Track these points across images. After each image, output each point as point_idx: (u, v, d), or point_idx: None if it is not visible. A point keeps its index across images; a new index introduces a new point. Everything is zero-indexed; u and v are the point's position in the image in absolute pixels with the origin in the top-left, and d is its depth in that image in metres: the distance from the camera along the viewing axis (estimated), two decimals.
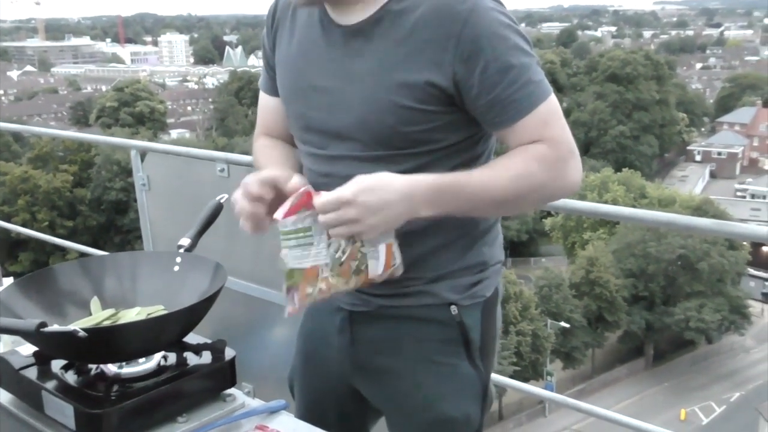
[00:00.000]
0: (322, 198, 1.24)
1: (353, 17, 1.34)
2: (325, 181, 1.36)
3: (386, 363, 1.47)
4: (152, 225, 3.29)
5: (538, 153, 1.29)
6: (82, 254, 3.63)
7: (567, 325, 26.70)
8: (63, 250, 29.27)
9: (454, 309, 1.42)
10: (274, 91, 1.55)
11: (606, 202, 33.16)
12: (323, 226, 1.26)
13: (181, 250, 1.51)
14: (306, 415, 1.60)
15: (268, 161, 1.53)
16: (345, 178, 1.27)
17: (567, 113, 52.66)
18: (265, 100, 1.61)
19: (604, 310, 28.12)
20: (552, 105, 1.31)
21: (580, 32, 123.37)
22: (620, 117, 50.88)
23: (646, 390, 28.85)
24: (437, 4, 1.28)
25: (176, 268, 1.50)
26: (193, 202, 3.23)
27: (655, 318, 29.05)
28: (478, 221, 1.43)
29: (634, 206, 33.21)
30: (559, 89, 53.97)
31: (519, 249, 40.03)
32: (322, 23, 1.38)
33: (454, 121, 1.33)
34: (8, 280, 1.45)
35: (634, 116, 51.09)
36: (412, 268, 1.38)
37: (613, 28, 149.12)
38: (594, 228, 33.39)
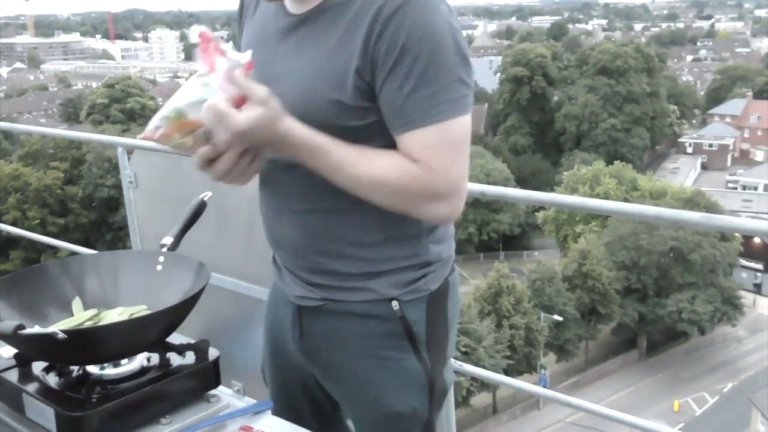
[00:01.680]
0: (228, 120, 1.18)
1: (303, 6, 1.34)
2: (270, 167, 1.38)
3: (333, 358, 1.48)
4: (140, 222, 3.27)
5: (406, 170, 1.26)
6: (73, 252, 3.61)
7: (560, 318, 26.78)
8: (54, 248, 29.14)
9: (395, 304, 1.41)
10: None
11: (598, 195, 33.26)
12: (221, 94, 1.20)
13: (164, 249, 1.50)
14: (278, 402, 1.61)
15: None
16: (287, 168, 1.34)
17: (558, 107, 52.97)
18: None
19: (596, 302, 28.22)
20: (452, 131, 1.26)
21: (570, 26, 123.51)
22: (611, 110, 50.98)
23: (639, 382, 29.00)
24: None
25: (159, 267, 1.48)
26: (181, 199, 3.19)
27: (648, 310, 29.18)
28: (420, 219, 1.39)
29: (626, 199, 33.40)
30: (550, 83, 54.06)
31: (511, 242, 40.12)
32: (277, 12, 1.40)
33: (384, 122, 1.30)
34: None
35: (626, 109, 51.20)
36: (350, 264, 1.40)
37: (604, 21, 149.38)
38: (586, 221, 33.48)
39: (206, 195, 1.64)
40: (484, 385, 23.10)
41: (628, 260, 29.43)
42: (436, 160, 1.26)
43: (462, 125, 1.27)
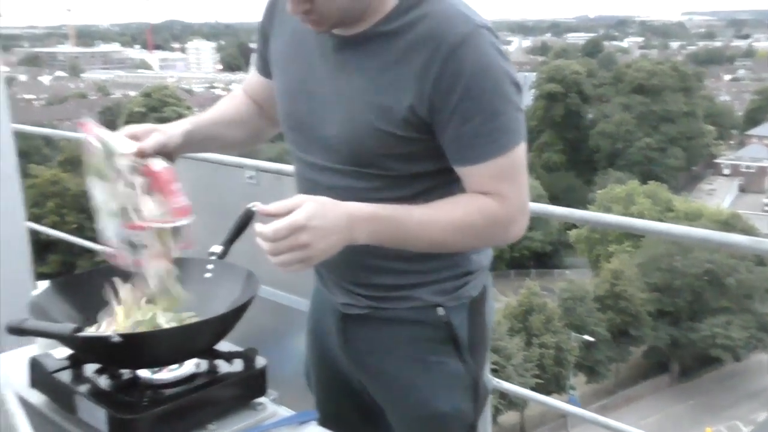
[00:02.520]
0: (274, 225, 1.19)
1: (350, 29, 1.34)
2: (311, 187, 1.42)
3: (379, 363, 1.52)
4: None
5: (484, 207, 1.32)
6: None
7: (591, 339, 26.42)
8: (91, 253, 29.57)
9: (441, 310, 1.46)
10: (265, 72, 1.60)
11: (632, 215, 32.89)
12: (270, 254, 1.21)
13: (213, 257, 1.52)
14: (324, 408, 1.64)
15: (209, 110, 1.66)
16: (328, 189, 1.33)
17: (593, 124, 52.53)
18: (254, 77, 1.67)
19: (628, 324, 27.80)
20: (515, 158, 1.32)
21: (606, 42, 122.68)
22: (647, 129, 50.41)
23: (670, 407, 28.44)
24: (431, 29, 1.27)
25: (208, 275, 1.51)
26: (222, 209, 3.25)
27: (681, 334, 28.64)
28: None
29: (660, 220, 32.91)
30: (584, 100, 53.65)
31: (543, 260, 39.77)
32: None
33: (433, 149, 1.34)
34: (42, 283, 1.46)
35: (661, 128, 50.59)
36: (393, 277, 1.45)
37: (640, 39, 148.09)
38: (619, 241, 33.07)
39: (254, 205, 1.66)
40: (512, 403, 22.87)
41: (662, 282, 28.97)
42: (507, 189, 1.32)
43: (522, 149, 1.34)
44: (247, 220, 1.63)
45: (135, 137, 1.38)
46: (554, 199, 40.81)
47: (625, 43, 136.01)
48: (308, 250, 1.20)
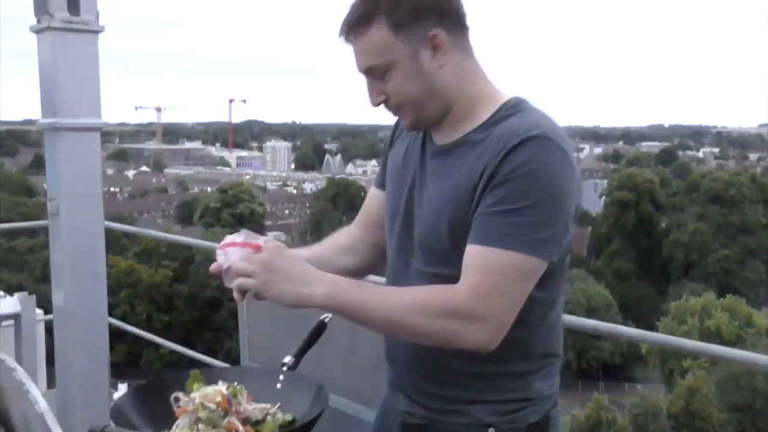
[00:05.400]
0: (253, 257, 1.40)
1: (445, 138, 1.50)
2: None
3: None
4: (250, 332, 3.37)
5: (447, 294, 1.34)
6: (193, 359, 3.75)
7: None
8: (156, 345, 30.06)
9: (492, 431, 1.45)
10: (381, 185, 1.72)
11: (708, 329, 31.54)
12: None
13: (285, 368, 1.56)
14: None
15: (325, 240, 1.79)
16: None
17: (666, 233, 51.40)
18: (372, 192, 1.78)
19: None
20: (514, 263, 1.31)
21: (680, 152, 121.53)
22: (723, 240, 48.98)
23: None
24: (503, 132, 1.38)
25: (279, 385, 1.54)
26: (292, 312, 3.30)
27: None
28: (534, 360, 1.47)
29: (739, 336, 31.44)
30: (657, 208, 52.80)
31: (612, 372, 38.24)
32: (424, 138, 1.57)
33: None
34: (123, 386, 1.52)
35: (739, 240, 49.08)
36: (454, 390, 1.47)
37: (716, 149, 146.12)
38: (695, 356, 31.62)
39: (327, 317, 1.70)
40: None
41: (742, 402, 27.34)
42: (482, 283, 1.32)
43: (527, 264, 1.32)
44: (319, 332, 1.67)
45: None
46: (625, 309, 39.62)
47: (700, 153, 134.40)
48: (259, 282, 1.37)
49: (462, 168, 1.41)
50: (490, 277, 1.32)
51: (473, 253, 1.34)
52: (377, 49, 1.42)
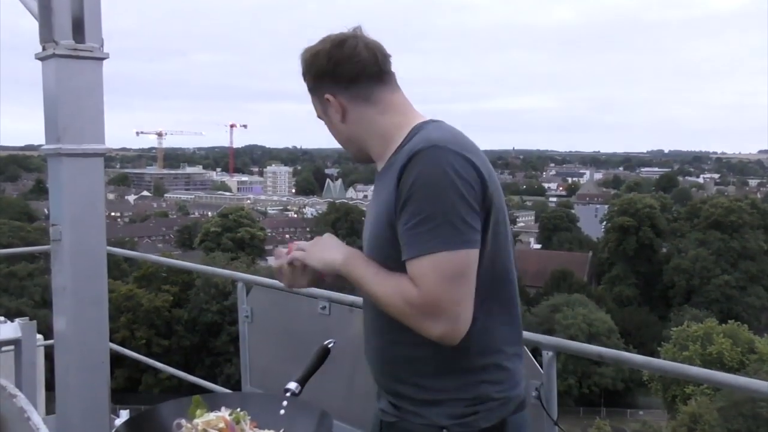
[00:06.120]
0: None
1: (380, 166, 1.74)
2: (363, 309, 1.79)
3: None
4: (251, 356, 3.36)
5: (407, 290, 1.54)
6: (194, 384, 3.73)
7: None
8: (155, 370, 29.87)
9: (426, 419, 1.59)
10: None
11: (710, 355, 31.36)
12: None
13: (288, 394, 1.55)
14: None
15: None
16: (365, 307, 1.75)
17: (667, 259, 51.33)
18: None
19: None
20: (445, 261, 1.50)
21: (680, 178, 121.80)
22: (724, 266, 48.87)
23: None
24: (402, 152, 1.61)
25: (282, 411, 1.53)
26: (294, 337, 3.30)
27: None
28: (472, 358, 1.60)
29: (742, 362, 31.24)
30: (658, 234, 52.77)
31: (614, 398, 37.95)
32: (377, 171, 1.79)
33: None
34: (124, 412, 1.51)
35: (741, 266, 48.98)
36: (412, 389, 1.62)
37: (717, 175, 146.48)
38: (697, 382, 31.40)
39: (330, 342, 1.70)
40: None
41: (745, 429, 27.09)
42: (428, 286, 1.51)
43: (456, 258, 1.51)
44: (323, 357, 1.67)
45: None
46: (627, 335, 39.42)
47: (700, 179, 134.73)
48: (305, 253, 1.70)
49: (384, 191, 1.62)
50: (431, 280, 1.51)
51: (411, 267, 1.53)
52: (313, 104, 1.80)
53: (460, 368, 1.59)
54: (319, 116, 1.79)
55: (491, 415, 1.58)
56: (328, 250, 1.67)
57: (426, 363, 1.60)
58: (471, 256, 1.52)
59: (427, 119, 1.71)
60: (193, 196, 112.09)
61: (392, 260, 1.57)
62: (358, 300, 2.54)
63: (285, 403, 1.54)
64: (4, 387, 1.36)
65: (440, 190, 1.50)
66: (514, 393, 1.64)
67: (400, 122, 1.70)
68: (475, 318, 1.55)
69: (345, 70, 1.68)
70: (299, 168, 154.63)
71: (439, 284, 1.49)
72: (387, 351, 1.66)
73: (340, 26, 1.73)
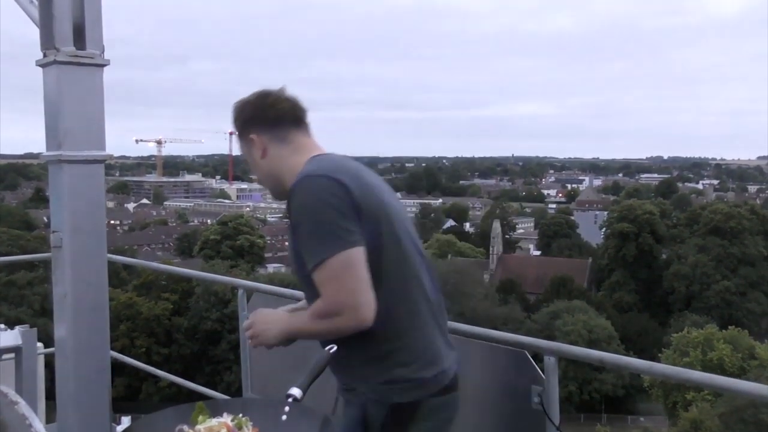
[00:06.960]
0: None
1: None
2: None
3: None
4: (252, 363, 3.35)
5: (316, 308, 1.85)
6: (192, 392, 3.71)
7: None
8: (156, 378, 29.83)
9: (362, 395, 1.88)
10: None
11: (711, 361, 31.29)
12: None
13: (290, 400, 1.54)
14: None
15: None
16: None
17: (666, 265, 51.27)
18: None
19: None
20: (332, 265, 1.80)
21: (680, 184, 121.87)
22: (724, 272, 48.84)
23: None
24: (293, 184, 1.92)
25: (284, 417, 1.52)
26: (294, 344, 3.30)
27: None
28: (381, 345, 1.87)
29: (742, 368, 31.17)
30: (658, 240, 52.74)
31: (615, 405, 37.87)
32: None
33: None
34: (126, 419, 1.51)
35: (741, 271, 48.95)
36: (347, 376, 1.94)
37: (716, 181, 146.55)
38: (698, 388, 31.33)
39: (332, 348, 1.69)
40: None
41: None
42: (326, 291, 1.82)
43: (341, 258, 1.79)
44: (325, 363, 1.66)
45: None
46: (627, 341, 39.32)
47: (699, 185, 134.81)
48: (257, 334, 1.99)
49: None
50: (327, 286, 1.80)
51: (314, 278, 1.82)
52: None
53: (373, 356, 1.87)
54: (243, 157, 2.13)
55: (405, 395, 1.85)
56: (273, 328, 1.96)
57: (352, 355, 1.86)
58: (354, 253, 1.80)
59: (316, 155, 2.02)
60: (192, 204, 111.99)
61: (307, 269, 1.88)
62: None
63: (287, 408, 1.53)
64: (5, 394, 1.36)
65: (313, 209, 1.82)
66: (430, 374, 1.87)
67: (305, 161, 2.01)
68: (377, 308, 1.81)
69: (269, 114, 2.04)
70: None
71: (334, 285, 1.79)
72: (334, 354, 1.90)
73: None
